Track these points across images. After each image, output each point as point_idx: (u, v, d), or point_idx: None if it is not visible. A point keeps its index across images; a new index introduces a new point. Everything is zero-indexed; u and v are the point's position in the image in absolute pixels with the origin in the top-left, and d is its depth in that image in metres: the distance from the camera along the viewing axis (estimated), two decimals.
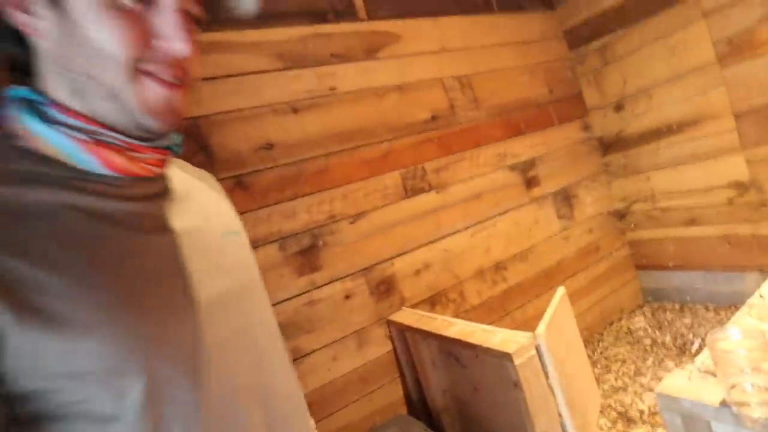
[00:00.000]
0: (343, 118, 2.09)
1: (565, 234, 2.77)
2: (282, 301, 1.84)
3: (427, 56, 2.39)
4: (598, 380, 2.28)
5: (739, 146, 2.37)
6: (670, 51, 2.53)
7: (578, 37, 2.94)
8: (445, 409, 1.86)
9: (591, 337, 2.75)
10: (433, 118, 2.36)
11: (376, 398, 2.02)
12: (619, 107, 2.86)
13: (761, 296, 1.05)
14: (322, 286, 1.93)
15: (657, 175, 2.77)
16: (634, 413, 1.91)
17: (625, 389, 2.12)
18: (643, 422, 1.84)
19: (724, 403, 0.78)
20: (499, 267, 2.47)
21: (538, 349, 1.33)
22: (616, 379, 2.23)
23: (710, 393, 0.82)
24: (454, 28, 2.51)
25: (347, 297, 1.99)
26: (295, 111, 1.97)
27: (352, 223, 2.04)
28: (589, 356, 2.56)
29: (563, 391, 1.38)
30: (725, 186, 2.48)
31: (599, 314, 2.83)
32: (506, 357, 1.30)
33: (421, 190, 2.28)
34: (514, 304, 2.49)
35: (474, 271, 2.38)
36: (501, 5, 2.74)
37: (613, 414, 1.95)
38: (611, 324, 2.83)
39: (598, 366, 2.44)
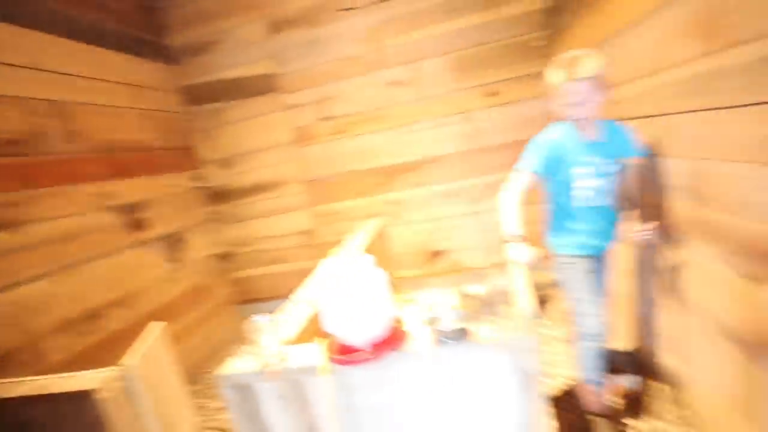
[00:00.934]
0: None
1: (174, 277, 2.87)
2: None
3: (9, 69, 2.02)
4: (201, 406, 2.46)
5: (305, 204, 3.28)
6: (265, 127, 3.25)
7: (196, 96, 3.28)
8: None
9: (200, 373, 2.91)
10: (10, 142, 1.98)
11: None
12: (227, 164, 3.34)
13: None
14: None
15: (254, 224, 3.39)
16: (228, 428, 2.18)
17: (225, 409, 2.38)
18: None
19: (258, 370, 1.12)
20: (93, 316, 2.25)
21: (126, 380, 1.35)
22: (217, 401, 2.47)
23: (251, 366, 1.14)
24: (55, 48, 2.26)
25: None
26: None
27: None
28: (198, 391, 2.70)
29: (157, 419, 1.45)
30: (296, 233, 3.34)
31: (209, 350, 3.03)
32: (86, 395, 1.25)
33: None
34: (112, 354, 2.31)
35: (57, 324, 2.06)
36: (116, 44, 2.70)
37: None
38: (218, 357, 3.09)
39: (203, 396, 2.62)
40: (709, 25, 1.18)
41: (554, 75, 1.44)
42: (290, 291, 3.30)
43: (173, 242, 2.91)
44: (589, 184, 1.53)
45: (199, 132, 3.33)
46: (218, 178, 3.37)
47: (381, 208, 3.17)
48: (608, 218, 1.62)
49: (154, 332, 1.67)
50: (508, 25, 2.80)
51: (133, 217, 2.61)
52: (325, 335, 1.17)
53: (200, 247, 3.18)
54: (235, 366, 1.16)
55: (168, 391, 1.64)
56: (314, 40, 3.06)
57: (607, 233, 1.64)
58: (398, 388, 1.14)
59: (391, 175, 3.12)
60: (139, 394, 1.38)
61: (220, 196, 3.39)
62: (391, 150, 3.09)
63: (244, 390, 1.16)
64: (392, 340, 1.05)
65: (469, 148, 2.98)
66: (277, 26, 3.08)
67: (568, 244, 1.64)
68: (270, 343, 1.11)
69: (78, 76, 2.39)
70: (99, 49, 2.57)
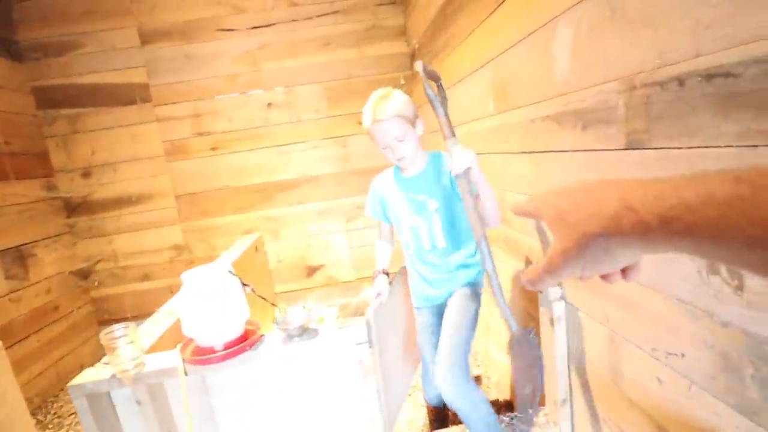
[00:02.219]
0: None
1: (16, 295, 2.59)
2: None
3: None
4: None
5: (177, 219, 3.22)
6: (133, 138, 3.13)
7: (50, 99, 3.02)
8: None
9: (45, 402, 2.65)
10: None
11: None
12: (86, 174, 3.12)
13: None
14: None
15: (119, 238, 3.20)
16: None
17: None
18: None
19: (113, 376, 1.18)
20: None
21: None
22: (67, 430, 2.30)
23: (106, 373, 1.20)
24: None
25: None
26: None
27: None
28: (41, 420, 2.46)
29: None
30: (169, 248, 3.25)
31: (55, 376, 2.77)
32: None
33: None
34: None
35: None
36: None
37: None
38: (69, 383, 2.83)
39: (52, 425, 2.41)
40: (500, 91, 1.60)
41: (364, 119, 1.37)
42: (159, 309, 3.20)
43: (16, 257, 2.63)
44: (411, 223, 1.44)
45: (54, 138, 3.06)
46: (77, 188, 3.12)
47: (258, 224, 3.27)
48: (444, 262, 1.46)
49: None
50: (375, 63, 3.18)
51: None
52: (185, 341, 1.28)
53: (51, 262, 2.91)
54: (88, 375, 1.21)
55: (6, 420, 1.55)
56: (189, 55, 3.07)
57: (447, 280, 1.48)
58: (253, 386, 1.30)
59: (268, 192, 3.25)
60: None
61: (79, 208, 3.14)
62: (269, 168, 3.22)
63: (100, 399, 1.21)
64: (245, 341, 1.21)
65: (342, 170, 3.27)
66: (150, 36, 3.03)
67: (414, 294, 1.58)
68: (127, 351, 1.18)
69: None
70: None
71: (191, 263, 3.25)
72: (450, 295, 1.49)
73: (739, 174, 0.25)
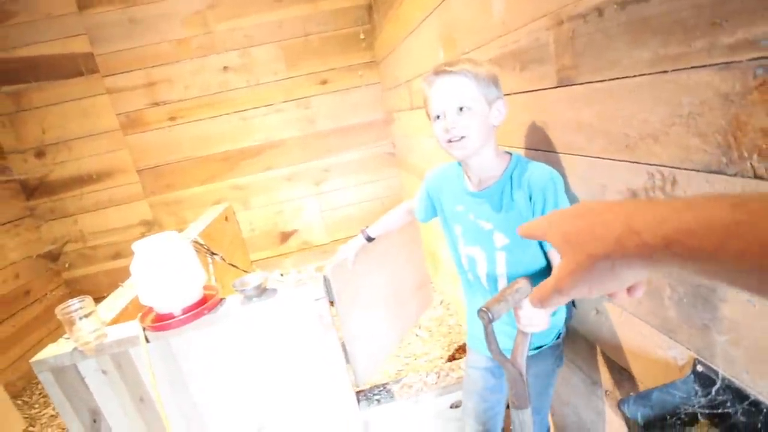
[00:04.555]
0: None
1: None
2: None
3: None
4: (36, 416, 2.31)
5: (142, 194, 3.15)
6: (84, 113, 2.98)
7: None
8: None
9: (28, 385, 2.66)
10: None
11: None
12: (40, 154, 2.99)
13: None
14: None
15: (84, 218, 3.12)
16: None
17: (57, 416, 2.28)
18: None
19: (75, 349, 1.19)
20: None
21: None
22: (53, 408, 2.35)
23: (68, 347, 1.21)
24: None
25: None
26: None
27: None
28: (26, 401, 2.49)
29: None
30: (138, 224, 3.19)
31: None
32: None
33: None
34: None
35: None
36: None
37: None
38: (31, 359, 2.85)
39: (38, 405, 2.44)
40: (448, 39, 1.57)
41: (422, 86, 1.00)
42: None
43: None
44: (467, 251, 1.08)
45: (0, 118, 2.90)
46: (32, 169, 3.00)
47: (226, 194, 3.22)
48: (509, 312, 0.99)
49: None
50: (332, 18, 3.05)
51: None
52: (145, 310, 1.29)
53: (15, 247, 2.84)
54: (50, 350, 1.21)
55: None
56: (134, 19, 2.90)
57: (504, 328, 1.03)
58: (219, 349, 1.32)
59: (233, 160, 3.18)
60: None
61: (35, 189, 3.03)
62: (231, 136, 3.14)
63: (66, 372, 1.22)
64: (204, 305, 1.22)
65: (306, 133, 3.20)
66: (88, 0, 2.83)
67: (468, 327, 1.24)
68: (85, 324, 1.19)
69: None
70: None
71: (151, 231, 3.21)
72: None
73: (736, 201, 0.26)
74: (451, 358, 2.08)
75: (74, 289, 3.23)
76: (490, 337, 0.77)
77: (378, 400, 1.46)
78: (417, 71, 2.05)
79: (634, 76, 0.71)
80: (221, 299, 1.28)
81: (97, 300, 3.19)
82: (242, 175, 3.20)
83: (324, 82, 3.14)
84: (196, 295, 1.22)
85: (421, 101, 1.03)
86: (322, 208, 3.35)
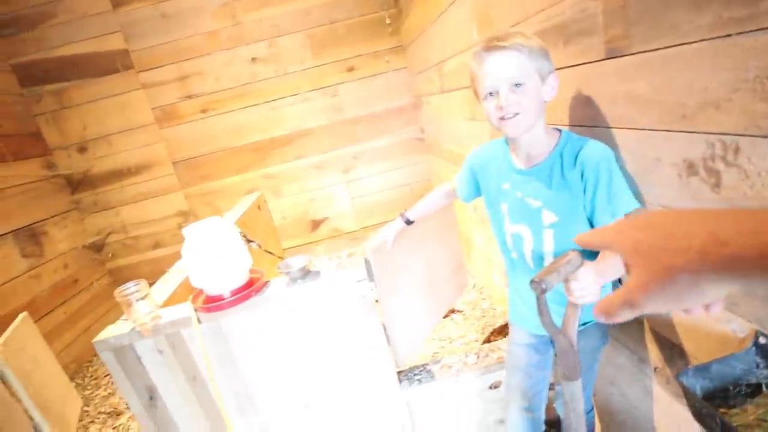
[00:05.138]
0: None
1: (34, 273, 2.69)
2: None
3: None
4: (90, 396, 2.45)
5: (178, 185, 3.25)
6: (122, 108, 3.09)
7: (31, 76, 2.97)
8: None
9: (81, 367, 2.83)
10: None
11: None
12: (82, 149, 3.13)
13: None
14: None
15: (125, 210, 3.25)
16: (122, 407, 2.25)
17: (114, 394, 2.42)
18: (128, 409, 2.21)
19: (133, 329, 1.26)
20: None
21: None
22: (105, 389, 2.49)
23: (126, 328, 1.28)
24: None
25: None
26: None
27: None
28: (79, 383, 2.64)
29: (32, 398, 1.50)
30: (175, 215, 3.30)
31: (87, 343, 2.92)
32: None
33: None
34: None
35: None
36: None
37: (104, 415, 2.22)
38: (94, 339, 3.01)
39: (90, 386, 2.59)
40: (483, 16, 1.54)
41: (470, 64, 0.97)
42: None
43: (28, 236, 2.70)
44: (513, 230, 1.06)
45: (44, 115, 3.04)
46: (75, 164, 3.14)
47: (258, 183, 3.28)
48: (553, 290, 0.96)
49: (16, 323, 1.66)
50: (357, 4, 3.04)
51: None
52: (195, 292, 1.34)
53: (63, 238, 2.99)
54: (110, 331, 1.29)
55: (44, 378, 1.67)
56: (165, 14, 2.96)
57: (550, 305, 0.91)
58: (266, 329, 1.37)
59: (264, 150, 3.24)
60: (11, 378, 1.42)
61: (80, 183, 3.17)
62: (261, 126, 3.19)
63: (125, 352, 1.29)
64: (251, 287, 1.27)
65: (334, 121, 3.22)
66: None
67: (509, 304, 1.23)
68: (141, 306, 1.25)
69: None
70: None
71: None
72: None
73: None
74: (487, 341, 2.08)
75: (117, 278, 3.38)
76: (542, 308, 0.78)
77: (419, 380, 1.48)
78: (448, 53, 2.03)
79: (693, 42, 0.69)
80: (267, 282, 1.33)
81: None
82: (273, 165, 3.26)
83: (351, 69, 3.14)
84: (243, 278, 1.27)
85: (468, 80, 1.00)
86: (351, 196, 3.38)
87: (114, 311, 3.29)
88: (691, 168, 0.76)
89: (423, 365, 1.55)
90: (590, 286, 0.78)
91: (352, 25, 3.07)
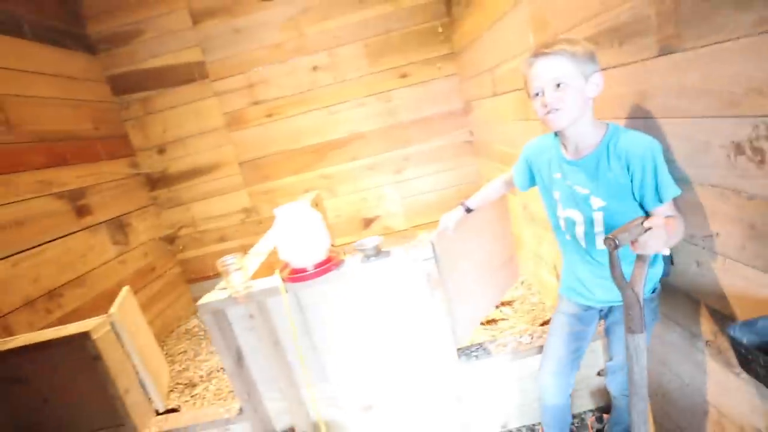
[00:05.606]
0: None
1: (122, 258, 3.03)
2: None
3: None
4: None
5: (243, 184, 3.54)
6: (196, 113, 3.43)
7: (122, 86, 3.36)
8: None
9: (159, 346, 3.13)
10: None
11: None
12: (161, 150, 3.48)
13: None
14: None
15: (195, 206, 3.58)
16: (196, 379, 2.49)
17: (187, 369, 2.67)
18: (202, 381, 2.46)
19: (230, 296, 1.46)
20: (53, 295, 2.42)
21: (113, 325, 1.64)
22: (180, 365, 2.75)
23: (223, 295, 1.49)
24: None
25: None
26: None
27: None
28: None
29: (138, 356, 1.75)
30: (238, 211, 3.59)
31: (161, 325, 3.24)
32: (84, 337, 1.53)
33: None
34: None
35: (22, 302, 2.22)
36: (35, 35, 2.74)
37: (181, 386, 2.46)
38: (172, 331, 3.32)
39: (170, 363, 2.87)
40: (540, 22, 1.67)
41: (521, 68, 1.12)
42: None
43: (117, 227, 3.05)
44: (566, 214, 1.20)
45: (131, 120, 3.42)
46: (154, 164, 3.50)
47: (315, 183, 3.52)
48: (596, 265, 1.19)
49: (123, 293, 1.94)
50: (411, 14, 3.23)
51: (77, 204, 2.74)
52: (281, 265, 1.54)
53: (144, 230, 3.34)
54: (211, 296, 1.50)
55: (142, 342, 1.93)
56: (237, 29, 3.27)
57: (603, 287, 1.19)
58: (340, 302, 1.54)
59: (321, 152, 3.48)
60: (124, 337, 1.67)
61: (158, 181, 3.53)
62: (320, 129, 3.43)
63: (220, 315, 1.51)
64: (331, 261, 1.45)
65: (387, 125, 3.41)
66: (200, 16, 3.25)
67: (562, 279, 1.34)
68: (237, 276, 1.46)
69: (8, 69, 2.45)
70: (18, 41, 2.62)
71: (260, 224, 3.59)
72: (609, 308, 1.25)
73: None
74: None
75: (186, 268, 3.70)
76: (614, 262, 0.90)
77: (476, 356, 1.60)
78: (502, 58, 2.16)
79: (739, 38, 0.79)
80: (343, 260, 1.50)
81: (211, 278, 3.62)
82: (329, 166, 3.48)
83: (404, 76, 3.33)
84: (324, 254, 1.45)
85: (521, 83, 1.17)
86: (402, 195, 3.55)
87: (183, 298, 3.61)
88: (738, 148, 0.86)
89: (479, 343, 1.67)
90: (656, 236, 0.90)
91: (406, 34, 3.26)
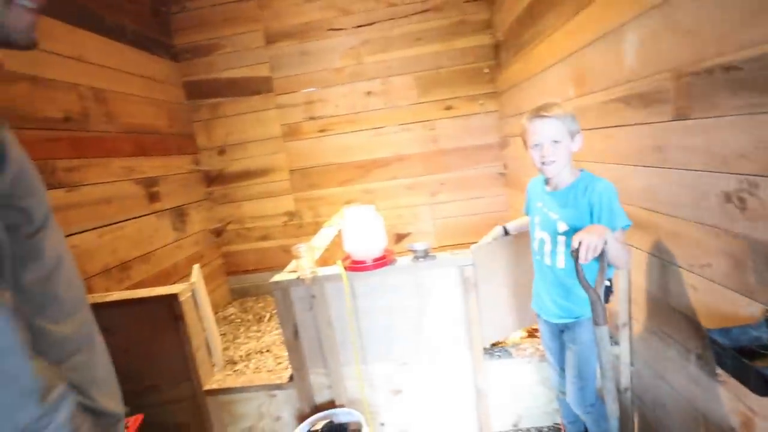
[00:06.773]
0: None
1: (178, 243, 3.38)
2: None
3: (62, 59, 2.49)
4: None
5: (290, 189, 3.89)
6: (258, 122, 3.82)
7: (196, 91, 3.79)
8: None
9: None
10: (66, 119, 2.47)
11: None
12: (222, 152, 3.87)
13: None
14: None
15: (246, 205, 3.94)
16: (236, 358, 2.77)
17: (227, 349, 2.96)
18: (241, 360, 2.73)
19: (298, 278, 1.76)
20: (125, 267, 2.76)
21: (193, 292, 1.95)
22: (221, 344, 3.03)
23: (292, 276, 1.78)
24: (90, 42, 2.72)
25: None
26: None
27: None
28: None
29: (207, 322, 2.05)
30: (283, 214, 3.93)
31: None
32: (173, 297, 1.84)
33: (49, 186, 2.30)
34: None
35: (101, 269, 2.57)
36: (133, 41, 3.18)
37: (222, 362, 2.73)
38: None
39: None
40: (579, 78, 1.97)
41: (525, 116, 1.42)
42: (275, 265, 3.90)
43: (179, 214, 3.42)
44: (539, 235, 1.50)
45: (199, 122, 3.84)
46: (214, 163, 3.89)
47: (357, 196, 3.84)
48: (560, 284, 1.45)
49: (195, 270, 2.25)
50: (461, 55, 3.59)
51: (150, 190, 3.12)
52: (343, 257, 1.83)
53: (198, 221, 3.70)
54: (281, 276, 1.80)
55: (206, 313, 2.23)
56: (305, 52, 3.68)
57: (560, 301, 1.47)
58: (390, 293, 1.82)
59: (365, 168, 3.81)
60: (200, 302, 1.98)
61: (215, 178, 3.91)
62: (367, 148, 3.77)
63: (287, 294, 1.80)
64: (386, 258, 1.73)
65: (428, 150, 3.74)
66: (274, 37, 3.68)
67: (533, 296, 1.64)
68: (305, 261, 1.75)
69: (107, 67, 2.87)
70: (120, 45, 3.05)
71: (300, 227, 3.92)
72: (564, 320, 1.49)
73: None
74: None
75: (228, 260, 4.04)
76: (578, 269, 1.23)
77: (499, 356, 1.85)
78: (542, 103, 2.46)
79: (731, 115, 1.07)
80: (395, 258, 1.79)
81: (249, 273, 3.93)
82: (372, 182, 3.81)
83: (448, 108, 3.66)
84: (380, 251, 1.74)
85: (521, 132, 1.48)
86: (433, 216, 3.83)
87: (222, 287, 3.93)
88: (727, 197, 1.12)
89: (502, 346, 1.92)
90: (587, 238, 1.20)
91: (455, 71, 3.61)
